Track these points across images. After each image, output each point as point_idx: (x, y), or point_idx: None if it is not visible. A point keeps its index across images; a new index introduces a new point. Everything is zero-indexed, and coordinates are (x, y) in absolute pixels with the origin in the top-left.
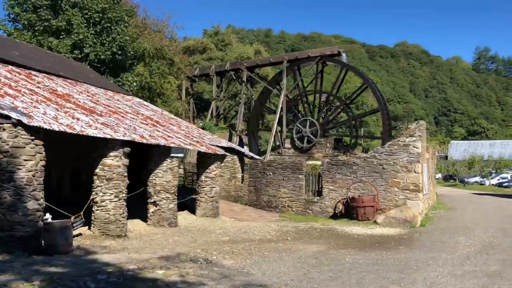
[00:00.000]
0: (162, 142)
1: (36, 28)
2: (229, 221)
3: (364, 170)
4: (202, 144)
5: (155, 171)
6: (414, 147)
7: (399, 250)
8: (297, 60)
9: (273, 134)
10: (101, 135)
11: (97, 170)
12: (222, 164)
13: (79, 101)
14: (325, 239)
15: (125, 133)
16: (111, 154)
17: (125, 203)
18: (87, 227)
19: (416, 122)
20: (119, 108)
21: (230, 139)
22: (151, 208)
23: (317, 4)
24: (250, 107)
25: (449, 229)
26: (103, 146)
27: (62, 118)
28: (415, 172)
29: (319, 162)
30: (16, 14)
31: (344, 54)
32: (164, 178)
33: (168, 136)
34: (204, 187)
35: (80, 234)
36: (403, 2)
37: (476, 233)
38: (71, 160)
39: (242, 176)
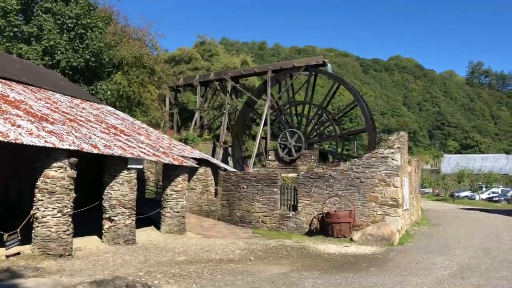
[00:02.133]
0: (118, 152)
1: (6, 34)
2: (195, 238)
3: (341, 184)
4: (168, 155)
5: (110, 184)
6: (392, 159)
7: (368, 272)
8: (282, 70)
9: (257, 145)
10: (40, 143)
11: (38, 183)
12: (194, 176)
13: (32, 108)
14: (293, 259)
15: (74, 142)
16: (55, 165)
17: (70, 219)
18: (31, 245)
19: (397, 133)
20: (81, 116)
21: (214, 151)
22: (106, 224)
23: (311, 16)
24: (235, 118)
25: (428, 248)
26: (45, 156)
27: None
28: (394, 186)
29: (295, 175)
30: None
31: (329, 65)
32: (120, 191)
33: (129, 146)
34: (169, 201)
35: (18, 253)
36: (397, 17)
37: (456, 253)
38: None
39: (216, 190)
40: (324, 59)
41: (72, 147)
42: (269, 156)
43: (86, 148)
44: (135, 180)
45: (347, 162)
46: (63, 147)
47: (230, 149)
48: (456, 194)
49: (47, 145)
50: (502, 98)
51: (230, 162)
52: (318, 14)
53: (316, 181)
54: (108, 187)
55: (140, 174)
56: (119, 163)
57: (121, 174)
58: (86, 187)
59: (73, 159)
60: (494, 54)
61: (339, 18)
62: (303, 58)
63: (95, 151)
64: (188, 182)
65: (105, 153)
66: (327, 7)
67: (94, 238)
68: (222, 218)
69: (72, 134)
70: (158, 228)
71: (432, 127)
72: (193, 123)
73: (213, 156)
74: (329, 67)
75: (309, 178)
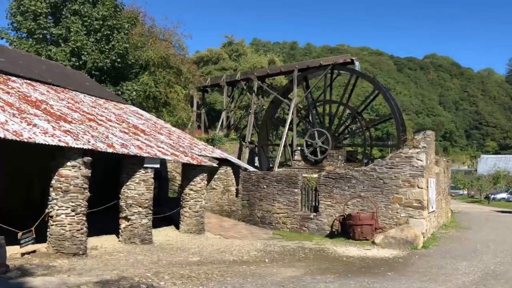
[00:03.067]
0: (134, 151)
1: (36, 37)
2: (213, 239)
3: (363, 185)
4: (187, 154)
5: (127, 183)
6: (417, 159)
7: (385, 277)
8: (308, 69)
9: (282, 145)
10: (53, 143)
11: (52, 182)
12: (215, 176)
13: (52, 108)
14: (309, 261)
15: (89, 141)
16: (69, 164)
17: (84, 218)
18: (46, 243)
19: (423, 132)
20: (101, 116)
21: (240, 150)
22: (123, 224)
23: (344, 15)
24: (261, 117)
25: (454, 252)
26: (60, 155)
27: (13, 124)
28: (419, 187)
29: (315, 175)
30: (18, 22)
31: (357, 63)
32: (136, 190)
33: (147, 145)
34: (188, 201)
35: (34, 251)
36: (432, 13)
37: (482, 258)
38: None
39: (237, 189)
40: (352, 57)
41: (86, 146)
42: (295, 156)
43: (101, 147)
44: (152, 180)
45: None
46: (76, 146)
47: (256, 149)
48: (492, 196)
49: (60, 144)
50: None
51: (257, 162)
52: (350, 12)
53: (338, 181)
54: (124, 186)
55: (164, 173)
56: (135, 162)
57: (137, 173)
58: (108, 186)
59: (87, 158)
60: None
61: (372, 16)
62: (330, 57)
63: (110, 150)
64: (209, 182)
65: (120, 152)
66: (359, 5)
67: (112, 237)
68: (243, 219)
69: (89, 133)
70: (178, 227)
71: (470, 127)
72: (219, 123)
73: (239, 156)
74: (357, 65)
75: (330, 178)
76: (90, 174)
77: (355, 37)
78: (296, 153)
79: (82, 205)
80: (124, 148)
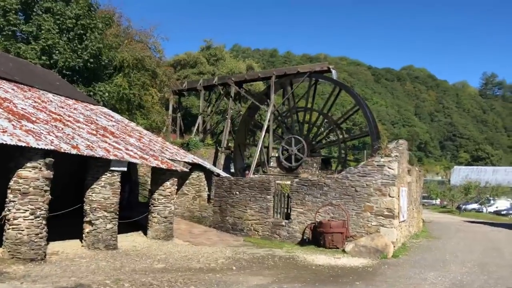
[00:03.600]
0: (100, 153)
1: (4, 33)
2: (181, 245)
3: (335, 192)
4: (157, 158)
5: (92, 186)
6: (389, 168)
7: (353, 286)
8: (286, 76)
9: (258, 151)
10: (12, 142)
11: (11, 183)
12: (187, 181)
13: (15, 107)
14: (277, 269)
15: (53, 142)
16: (29, 164)
17: (44, 222)
18: (1, 248)
19: (396, 141)
20: (69, 116)
21: (216, 156)
22: (87, 228)
23: (324, 25)
24: (238, 123)
25: (423, 262)
26: (19, 155)
27: None
28: (390, 196)
29: (289, 182)
30: None
31: (334, 71)
32: (102, 194)
33: (114, 148)
34: (157, 206)
35: None
36: (409, 26)
37: (451, 268)
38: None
39: (209, 195)
40: (329, 65)
41: (48, 147)
42: (271, 163)
43: (65, 148)
44: (119, 183)
45: None
46: (38, 147)
47: (232, 154)
48: (464, 207)
49: (20, 144)
50: None
51: (233, 168)
52: (330, 22)
53: (310, 189)
54: (89, 190)
55: (135, 177)
56: (101, 165)
57: (103, 176)
58: (78, 189)
59: (49, 159)
60: (509, 66)
61: (351, 26)
62: (308, 64)
63: (74, 151)
64: (181, 187)
65: (85, 154)
66: (340, 16)
67: (76, 242)
68: (214, 225)
69: (53, 133)
70: (146, 233)
71: (444, 138)
72: (195, 127)
73: (215, 161)
74: (334, 74)
75: (303, 185)
76: (52, 176)
77: (335, 47)
78: (272, 160)
79: (42, 208)
80: (90, 150)
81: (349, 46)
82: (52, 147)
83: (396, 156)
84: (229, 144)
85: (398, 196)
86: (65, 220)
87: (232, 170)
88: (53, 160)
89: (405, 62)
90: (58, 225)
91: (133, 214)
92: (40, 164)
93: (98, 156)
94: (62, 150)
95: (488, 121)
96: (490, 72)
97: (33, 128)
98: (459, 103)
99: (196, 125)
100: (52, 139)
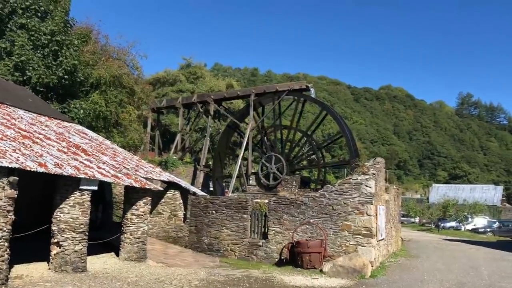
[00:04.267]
0: (69, 171)
1: None
2: (155, 267)
3: (312, 211)
4: (130, 176)
5: (60, 206)
6: (366, 186)
7: None
8: (265, 94)
9: (237, 169)
10: None
11: None
12: (162, 200)
13: None
14: None
15: (18, 160)
16: None
17: (6, 244)
18: None
19: (373, 159)
20: (39, 134)
21: (195, 174)
22: (54, 250)
23: (303, 45)
24: (217, 140)
25: (401, 282)
26: None
27: None
28: (368, 215)
29: (266, 201)
30: None
31: (312, 90)
32: (70, 214)
33: (85, 166)
34: (129, 226)
35: None
36: (388, 47)
37: None
38: None
39: (184, 215)
40: (307, 84)
41: (12, 165)
42: (250, 181)
43: (31, 166)
44: (88, 203)
45: None
46: (1, 165)
47: (211, 173)
48: (442, 225)
49: None
50: (491, 130)
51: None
52: (310, 42)
53: (288, 207)
54: (57, 209)
55: (109, 196)
56: (70, 184)
57: (72, 195)
58: (49, 209)
59: (12, 178)
60: (483, 86)
61: (331, 46)
62: (287, 83)
63: (41, 169)
64: (156, 206)
65: (52, 172)
66: (319, 36)
67: (44, 265)
68: (190, 245)
69: (20, 151)
70: (118, 255)
71: (422, 157)
72: (174, 145)
73: (193, 179)
74: (312, 92)
75: (281, 204)
76: (16, 196)
77: (315, 67)
78: (251, 178)
79: (5, 229)
80: (58, 168)
81: (328, 65)
82: (17, 165)
83: (374, 174)
84: (209, 162)
85: (376, 215)
86: (36, 242)
87: (211, 189)
88: (17, 178)
89: (383, 82)
90: (27, 247)
91: (106, 235)
92: (3, 183)
93: (66, 174)
94: (28, 168)
95: (465, 139)
96: (466, 92)
97: None
98: (436, 122)
99: (175, 143)
100: (18, 157)
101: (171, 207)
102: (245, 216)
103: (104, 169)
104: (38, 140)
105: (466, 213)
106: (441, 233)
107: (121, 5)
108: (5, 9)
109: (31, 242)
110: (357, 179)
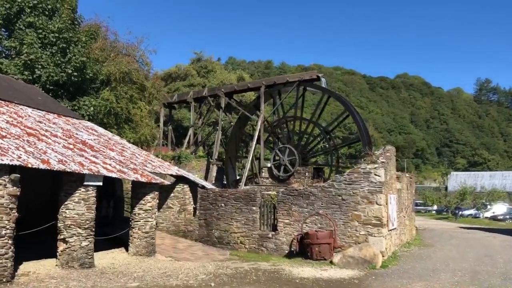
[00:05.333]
0: (73, 167)
1: None
2: (163, 261)
3: (321, 201)
4: (137, 171)
5: (66, 202)
6: (375, 175)
7: None
8: (275, 85)
9: (249, 162)
10: None
11: None
12: (172, 194)
13: None
14: (259, 284)
15: (20, 157)
16: None
17: (10, 241)
18: None
19: (383, 147)
20: (46, 131)
21: (208, 168)
22: (60, 246)
23: (318, 35)
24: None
25: (412, 272)
26: None
27: None
28: (378, 204)
29: (274, 193)
30: None
31: (323, 79)
32: (75, 210)
33: (91, 162)
34: (137, 221)
35: None
36: (403, 34)
37: (440, 277)
38: None
39: (194, 208)
40: (318, 74)
41: (13, 162)
42: (263, 174)
43: (33, 163)
44: (94, 198)
45: None
46: (1, 162)
47: (224, 166)
48: (460, 213)
49: None
50: (511, 115)
51: (197, 179)
52: (324, 32)
53: (296, 198)
54: (63, 206)
55: (119, 191)
56: (75, 180)
57: (77, 191)
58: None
59: (14, 175)
60: (502, 71)
61: (345, 36)
62: (297, 73)
63: (43, 166)
64: (166, 200)
65: (55, 169)
66: (333, 26)
67: (52, 261)
68: (200, 239)
69: (23, 148)
70: (128, 249)
71: (440, 145)
72: (186, 140)
73: (207, 173)
74: (323, 82)
75: (289, 195)
76: (19, 193)
77: (329, 57)
78: (263, 170)
79: (8, 227)
80: (61, 164)
81: (343, 55)
82: (18, 163)
83: (383, 162)
84: (222, 156)
85: (386, 204)
86: (48, 238)
87: (225, 182)
88: (19, 176)
89: (399, 70)
90: (36, 244)
91: (117, 230)
92: (4, 180)
93: (69, 170)
94: (29, 165)
95: (484, 126)
96: (484, 77)
97: (1, 143)
98: (454, 109)
99: (187, 137)
100: (20, 154)
101: (181, 201)
102: (254, 208)
103: (110, 164)
104: (43, 137)
105: (484, 200)
106: (458, 221)
107: (133, 1)
108: (13, 9)
109: (44, 239)
110: (366, 168)
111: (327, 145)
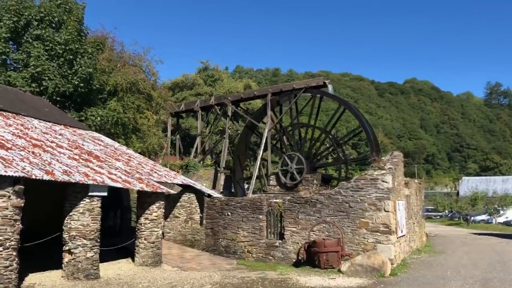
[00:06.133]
0: (77, 178)
1: None
2: (169, 271)
3: (328, 209)
4: (142, 181)
5: (71, 214)
6: (383, 181)
7: None
8: (282, 92)
9: (256, 170)
10: None
11: None
12: (178, 203)
13: None
14: None
15: (24, 169)
16: None
17: (14, 253)
18: None
19: (390, 153)
20: (52, 142)
21: (216, 176)
22: (66, 258)
23: (325, 43)
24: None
25: (422, 280)
26: None
27: None
28: (385, 211)
29: (281, 201)
30: None
31: (330, 86)
32: (80, 221)
33: (96, 172)
34: (143, 231)
35: None
36: (411, 40)
37: (451, 285)
38: None
39: (201, 217)
40: (325, 80)
41: (17, 174)
42: (270, 181)
43: (37, 174)
44: (99, 209)
45: None
46: (5, 174)
47: (232, 175)
48: (472, 218)
49: None
50: None
51: (203, 187)
52: (332, 39)
53: (303, 206)
54: (68, 217)
55: (126, 202)
56: (79, 190)
57: (81, 202)
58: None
59: (18, 187)
60: None
61: (352, 42)
62: (304, 80)
63: (47, 177)
64: (172, 210)
65: (60, 180)
66: (340, 32)
67: (57, 272)
68: (207, 248)
69: (28, 160)
70: (134, 260)
71: (451, 150)
72: (194, 148)
73: (214, 182)
74: (330, 88)
75: (296, 203)
76: (23, 204)
77: (337, 64)
78: (271, 178)
79: (12, 238)
80: (66, 175)
81: (351, 61)
82: (22, 174)
83: (390, 168)
84: (229, 164)
85: (395, 210)
86: (52, 249)
87: (233, 190)
88: (23, 187)
89: (408, 75)
90: (42, 255)
91: (123, 240)
92: (8, 192)
93: (74, 181)
94: (33, 177)
95: (495, 130)
96: (494, 81)
97: (5, 155)
98: (464, 113)
99: (195, 146)
100: (24, 166)
101: (187, 210)
102: (260, 216)
103: (115, 174)
104: (49, 149)
105: (496, 206)
106: (470, 227)
107: (139, 12)
108: (20, 22)
109: (50, 250)
110: (373, 174)
111: (330, 145)
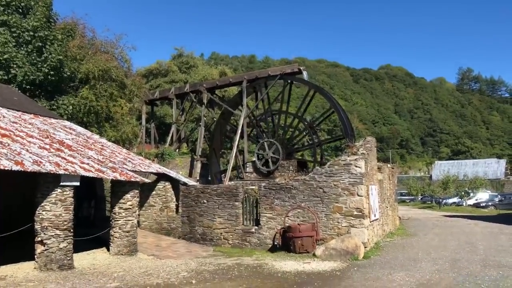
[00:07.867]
0: (48, 168)
1: None
2: (145, 260)
3: (303, 195)
4: (116, 170)
5: (42, 204)
6: (356, 166)
7: None
8: (257, 79)
9: (233, 157)
10: None
11: None
12: (153, 192)
13: None
14: (241, 280)
15: None
16: None
17: None
18: None
19: (364, 138)
20: (21, 132)
21: (192, 164)
22: (38, 249)
23: (301, 29)
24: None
25: (394, 262)
26: None
27: None
28: (358, 195)
29: (256, 187)
30: None
31: (305, 72)
32: (52, 211)
33: (68, 162)
34: (118, 220)
35: None
36: (385, 26)
37: (422, 266)
38: None
39: (177, 205)
40: (300, 67)
41: None
42: (247, 169)
43: (6, 165)
44: (71, 199)
45: None
46: None
47: (208, 161)
48: (444, 201)
49: None
50: (493, 104)
51: (178, 175)
52: (307, 26)
53: (278, 192)
54: (39, 207)
55: (100, 191)
56: (51, 181)
57: (53, 192)
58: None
59: None
60: (483, 60)
61: (328, 29)
62: (279, 67)
63: (16, 168)
64: (148, 198)
65: (29, 170)
66: (316, 19)
67: (29, 264)
68: (183, 236)
69: None
70: (109, 249)
71: (424, 134)
72: (169, 137)
73: (191, 170)
74: (305, 75)
75: (271, 189)
76: None
77: (312, 50)
78: (248, 165)
79: None
80: (36, 165)
81: (326, 48)
82: None
83: (363, 154)
84: (206, 152)
85: (368, 195)
86: (23, 240)
87: (210, 178)
88: None
89: (382, 62)
90: (15, 246)
91: (98, 230)
92: None
93: (45, 171)
94: (2, 167)
95: (467, 115)
96: (466, 67)
97: None
98: (437, 99)
99: (170, 134)
100: None
101: (163, 199)
102: (236, 203)
103: (88, 164)
104: (18, 138)
105: (466, 188)
106: (442, 210)
107: None
108: None
109: (22, 242)
110: (347, 159)
111: (311, 141)
